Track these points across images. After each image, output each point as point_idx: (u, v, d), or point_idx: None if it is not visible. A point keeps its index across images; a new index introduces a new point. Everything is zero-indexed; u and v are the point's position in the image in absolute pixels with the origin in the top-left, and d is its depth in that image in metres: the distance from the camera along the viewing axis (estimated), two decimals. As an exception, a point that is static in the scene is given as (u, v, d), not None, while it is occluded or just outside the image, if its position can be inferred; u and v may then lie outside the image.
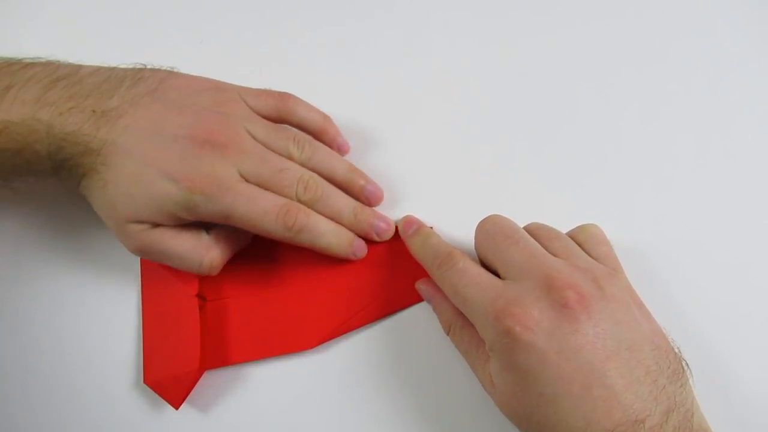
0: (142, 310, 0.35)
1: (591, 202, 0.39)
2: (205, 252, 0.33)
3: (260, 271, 0.36)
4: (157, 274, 0.35)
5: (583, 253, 0.32)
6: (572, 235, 0.34)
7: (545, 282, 0.28)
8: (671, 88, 0.42)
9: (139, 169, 0.31)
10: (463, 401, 0.35)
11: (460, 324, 0.32)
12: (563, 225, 0.36)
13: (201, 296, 0.35)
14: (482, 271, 0.31)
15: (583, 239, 0.33)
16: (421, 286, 0.35)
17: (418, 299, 0.36)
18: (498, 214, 0.34)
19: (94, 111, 0.31)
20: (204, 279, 0.35)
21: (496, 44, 0.44)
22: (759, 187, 0.39)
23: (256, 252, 0.36)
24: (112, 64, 0.36)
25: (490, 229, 0.32)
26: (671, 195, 0.39)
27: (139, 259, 0.36)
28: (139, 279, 0.36)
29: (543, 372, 0.27)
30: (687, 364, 0.30)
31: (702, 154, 0.40)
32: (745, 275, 0.37)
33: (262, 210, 0.32)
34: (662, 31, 0.44)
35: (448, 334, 0.33)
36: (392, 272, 0.36)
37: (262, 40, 0.45)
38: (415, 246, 0.34)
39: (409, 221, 0.36)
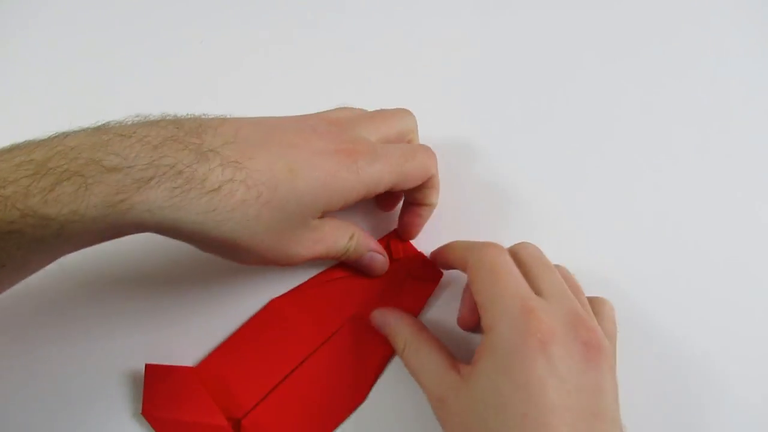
0: None
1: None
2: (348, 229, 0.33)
3: (269, 363, 0.34)
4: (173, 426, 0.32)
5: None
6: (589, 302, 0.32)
7: (573, 316, 0.28)
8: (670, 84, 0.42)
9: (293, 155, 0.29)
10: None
11: (420, 342, 0.31)
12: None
13: (230, 419, 0.33)
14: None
15: (598, 311, 0.32)
16: (376, 314, 0.34)
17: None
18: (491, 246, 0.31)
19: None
20: (220, 401, 0.33)
21: (494, 45, 0.44)
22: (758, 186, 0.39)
23: (249, 350, 0.35)
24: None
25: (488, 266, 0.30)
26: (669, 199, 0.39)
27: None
28: None
29: (538, 391, 0.26)
30: None
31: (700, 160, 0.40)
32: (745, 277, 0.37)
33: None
34: (660, 29, 0.44)
35: (400, 355, 0.32)
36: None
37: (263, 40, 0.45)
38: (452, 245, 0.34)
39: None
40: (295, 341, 0.35)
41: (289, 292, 0.35)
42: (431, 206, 0.35)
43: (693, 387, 0.34)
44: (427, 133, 0.36)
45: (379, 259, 0.35)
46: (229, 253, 0.29)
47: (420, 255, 0.36)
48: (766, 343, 0.35)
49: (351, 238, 0.33)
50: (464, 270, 0.31)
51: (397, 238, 0.37)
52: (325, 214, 0.31)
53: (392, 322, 0.33)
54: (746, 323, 0.36)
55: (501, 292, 0.28)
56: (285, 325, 0.35)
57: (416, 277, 0.36)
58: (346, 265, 0.35)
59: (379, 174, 0.30)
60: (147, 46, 0.44)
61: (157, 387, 0.32)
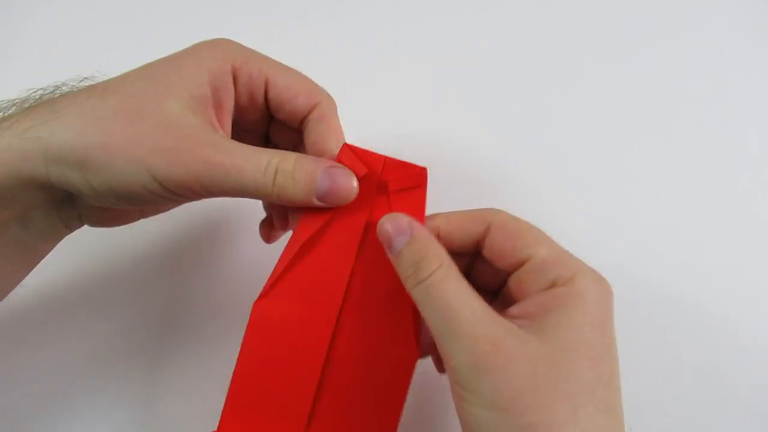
0: None
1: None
2: None
3: (292, 381, 0.27)
4: None
5: None
6: None
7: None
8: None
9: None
10: None
11: (455, 267, 0.25)
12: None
13: None
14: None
15: None
16: (386, 223, 0.26)
17: None
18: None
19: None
20: None
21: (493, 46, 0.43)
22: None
23: (261, 381, 0.27)
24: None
25: None
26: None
27: None
28: None
29: (615, 351, 0.24)
30: None
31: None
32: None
33: None
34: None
35: (428, 280, 0.24)
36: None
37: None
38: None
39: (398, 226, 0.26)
40: (305, 342, 0.27)
41: (266, 287, 0.28)
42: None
43: (692, 386, 0.34)
44: (425, 133, 0.38)
45: (340, 173, 0.27)
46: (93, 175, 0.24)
47: (384, 158, 0.28)
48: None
49: (268, 165, 0.25)
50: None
51: (345, 153, 0.28)
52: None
53: (418, 233, 0.25)
54: (747, 322, 0.35)
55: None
56: (285, 329, 0.27)
57: (398, 189, 0.28)
58: (315, 212, 0.28)
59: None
60: (144, 46, 0.37)
61: None
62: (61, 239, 0.29)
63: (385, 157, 0.28)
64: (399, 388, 0.27)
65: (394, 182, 0.27)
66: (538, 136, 0.40)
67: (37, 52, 0.43)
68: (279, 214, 0.32)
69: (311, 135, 0.29)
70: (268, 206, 0.33)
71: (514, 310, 0.24)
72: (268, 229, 0.33)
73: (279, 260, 0.28)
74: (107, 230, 0.31)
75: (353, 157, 0.28)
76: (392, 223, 0.25)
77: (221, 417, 0.27)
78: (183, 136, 0.25)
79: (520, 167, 0.39)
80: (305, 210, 0.28)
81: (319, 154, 0.28)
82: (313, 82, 0.29)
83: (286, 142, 0.31)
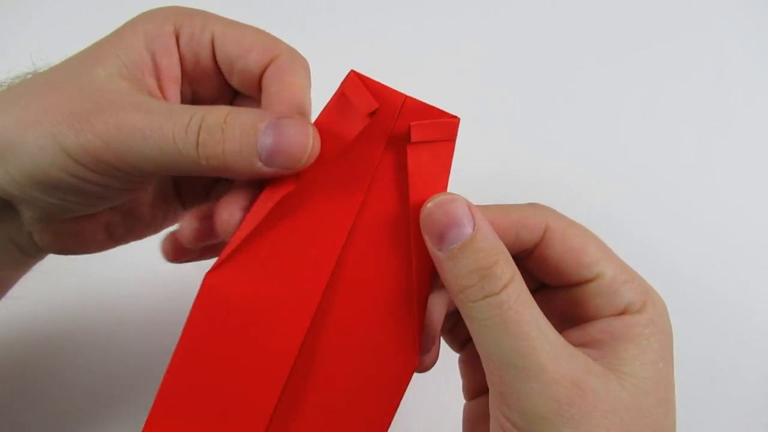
0: None
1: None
2: None
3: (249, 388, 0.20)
4: None
5: None
6: None
7: None
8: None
9: None
10: None
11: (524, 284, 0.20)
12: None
13: None
14: None
15: None
16: (434, 209, 0.19)
17: None
18: None
19: None
20: None
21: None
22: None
23: (204, 380, 0.20)
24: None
25: None
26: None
27: None
28: None
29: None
30: None
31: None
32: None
33: None
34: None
35: (491, 295, 0.18)
36: None
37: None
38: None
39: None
40: (270, 330, 0.20)
41: (223, 255, 0.20)
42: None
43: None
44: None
45: (291, 122, 0.19)
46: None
47: (405, 97, 0.20)
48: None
49: (191, 121, 0.19)
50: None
51: (351, 82, 0.20)
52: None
53: (484, 228, 0.18)
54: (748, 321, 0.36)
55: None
56: (244, 310, 0.20)
57: (420, 141, 0.20)
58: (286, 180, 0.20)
59: None
60: None
61: None
62: (22, 269, 0.25)
63: (406, 95, 0.20)
64: (387, 403, 0.20)
65: (418, 130, 0.20)
66: (540, 137, 0.40)
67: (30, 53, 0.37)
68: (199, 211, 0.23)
69: (264, 100, 0.22)
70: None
71: (576, 334, 0.20)
72: (173, 243, 0.23)
73: (244, 222, 0.20)
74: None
75: (361, 88, 0.20)
76: (444, 209, 0.19)
77: (146, 421, 0.20)
78: (101, 99, 0.20)
79: (523, 164, 0.39)
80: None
81: None
82: (272, 36, 0.23)
83: None
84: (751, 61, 0.42)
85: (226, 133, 0.19)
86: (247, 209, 0.20)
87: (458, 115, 0.20)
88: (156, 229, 0.26)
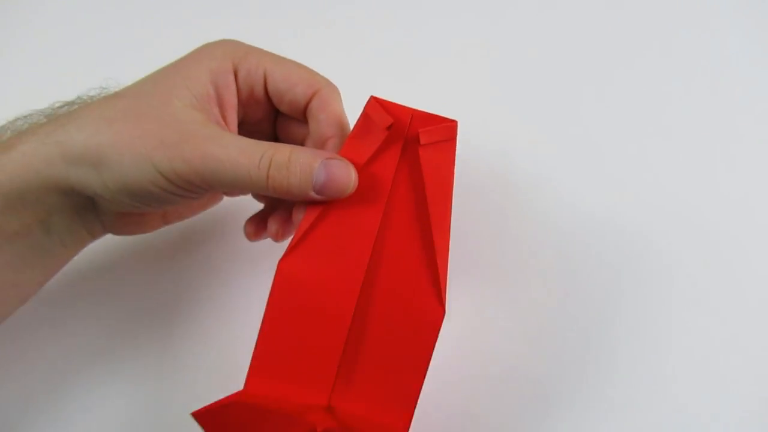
0: None
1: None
2: None
3: (319, 337, 0.27)
4: None
5: None
6: None
7: None
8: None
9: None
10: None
11: None
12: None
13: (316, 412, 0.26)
14: None
15: None
16: None
17: None
18: None
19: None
20: (293, 402, 0.27)
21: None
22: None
23: (288, 336, 0.27)
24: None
25: None
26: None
27: None
28: None
29: None
30: None
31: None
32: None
33: None
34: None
35: None
36: None
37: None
38: None
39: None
40: (331, 300, 0.27)
41: (291, 245, 0.27)
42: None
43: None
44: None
45: (338, 164, 0.26)
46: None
47: (412, 111, 0.27)
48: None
49: (262, 158, 0.25)
50: None
51: (371, 105, 0.27)
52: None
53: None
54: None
55: None
56: (310, 287, 0.27)
57: (428, 142, 0.26)
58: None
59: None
60: (152, 48, 0.35)
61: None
62: (83, 246, 0.30)
63: (413, 110, 0.27)
64: (424, 349, 0.26)
65: (425, 135, 0.26)
66: (553, 138, 0.38)
67: (37, 58, 0.42)
68: (279, 209, 0.31)
69: (312, 124, 0.28)
70: (266, 200, 0.32)
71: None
72: (255, 226, 0.31)
73: (303, 218, 0.27)
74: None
75: (379, 108, 0.26)
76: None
77: (247, 375, 0.27)
78: (185, 131, 0.25)
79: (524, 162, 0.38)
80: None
81: (321, 142, 0.28)
82: (311, 71, 0.29)
83: (296, 139, 0.30)
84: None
85: (290, 171, 0.25)
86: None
87: (456, 119, 0.26)
88: (197, 211, 0.33)
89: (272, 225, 0.30)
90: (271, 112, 0.30)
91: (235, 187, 0.26)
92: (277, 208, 0.31)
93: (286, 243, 0.27)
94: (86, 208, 0.28)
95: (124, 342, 0.34)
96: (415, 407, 0.26)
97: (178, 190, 0.26)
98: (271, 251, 0.30)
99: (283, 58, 0.29)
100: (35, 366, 0.33)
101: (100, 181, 0.25)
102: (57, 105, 0.29)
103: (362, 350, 0.27)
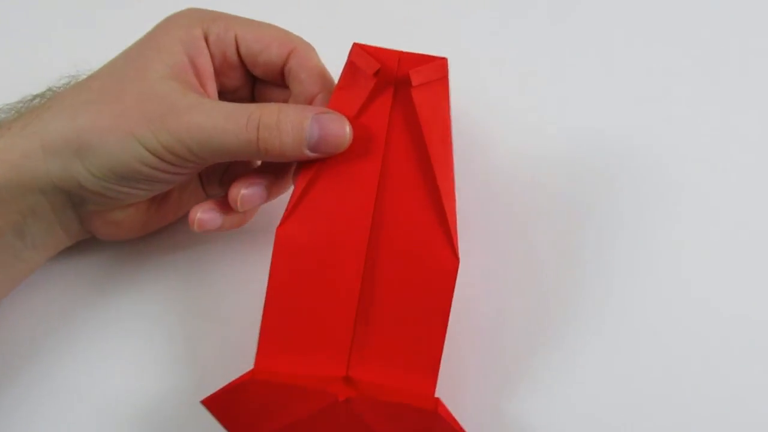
0: None
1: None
2: None
3: (330, 304, 0.25)
4: None
5: None
6: None
7: None
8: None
9: None
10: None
11: None
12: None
13: (334, 384, 0.25)
14: None
15: None
16: None
17: None
18: None
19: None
20: (309, 375, 0.25)
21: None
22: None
23: (294, 307, 0.25)
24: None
25: None
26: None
27: None
28: None
29: None
30: None
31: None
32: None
33: None
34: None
35: None
36: None
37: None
38: None
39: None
40: (337, 264, 0.25)
41: (287, 211, 0.25)
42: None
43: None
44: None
45: (331, 118, 0.24)
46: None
47: (399, 53, 0.25)
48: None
49: (249, 121, 0.24)
50: None
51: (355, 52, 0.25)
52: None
53: None
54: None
55: None
56: (313, 252, 0.25)
57: (420, 83, 0.25)
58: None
59: None
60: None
61: (235, 416, 0.24)
62: (57, 250, 0.28)
63: (400, 52, 0.25)
64: (442, 301, 0.24)
65: (416, 75, 0.24)
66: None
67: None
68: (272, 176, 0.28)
69: (294, 85, 0.27)
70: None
71: None
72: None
73: (297, 180, 0.25)
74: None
75: (364, 54, 0.25)
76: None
77: (257, 352, 0.25)
78: (166, 103, 0.24)
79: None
80: None
81: (307, 101, 0.27)
82: (284, 30, 0.28)
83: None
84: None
85: (281, 130, 0.24)
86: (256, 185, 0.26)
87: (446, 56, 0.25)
88: (178, 214, 0.30)
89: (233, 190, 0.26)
90: (248, 80, 0.29)
91: (225, 156, 0.25)
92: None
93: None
94: (65, 207, 0.26)
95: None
96: (439, 366, 0.24)
97: (167, 166, 0.25)
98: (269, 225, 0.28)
99: (253, 21, 0.28)
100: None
101: (83, 170, 0.24)
102: (28, 98, 0.28)
103: (376, 312, 0.25)
